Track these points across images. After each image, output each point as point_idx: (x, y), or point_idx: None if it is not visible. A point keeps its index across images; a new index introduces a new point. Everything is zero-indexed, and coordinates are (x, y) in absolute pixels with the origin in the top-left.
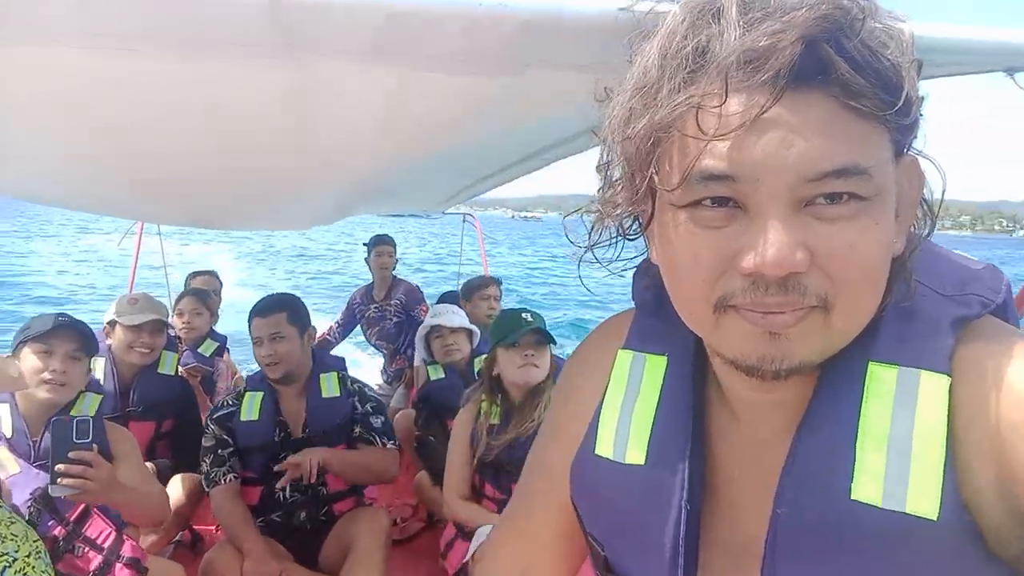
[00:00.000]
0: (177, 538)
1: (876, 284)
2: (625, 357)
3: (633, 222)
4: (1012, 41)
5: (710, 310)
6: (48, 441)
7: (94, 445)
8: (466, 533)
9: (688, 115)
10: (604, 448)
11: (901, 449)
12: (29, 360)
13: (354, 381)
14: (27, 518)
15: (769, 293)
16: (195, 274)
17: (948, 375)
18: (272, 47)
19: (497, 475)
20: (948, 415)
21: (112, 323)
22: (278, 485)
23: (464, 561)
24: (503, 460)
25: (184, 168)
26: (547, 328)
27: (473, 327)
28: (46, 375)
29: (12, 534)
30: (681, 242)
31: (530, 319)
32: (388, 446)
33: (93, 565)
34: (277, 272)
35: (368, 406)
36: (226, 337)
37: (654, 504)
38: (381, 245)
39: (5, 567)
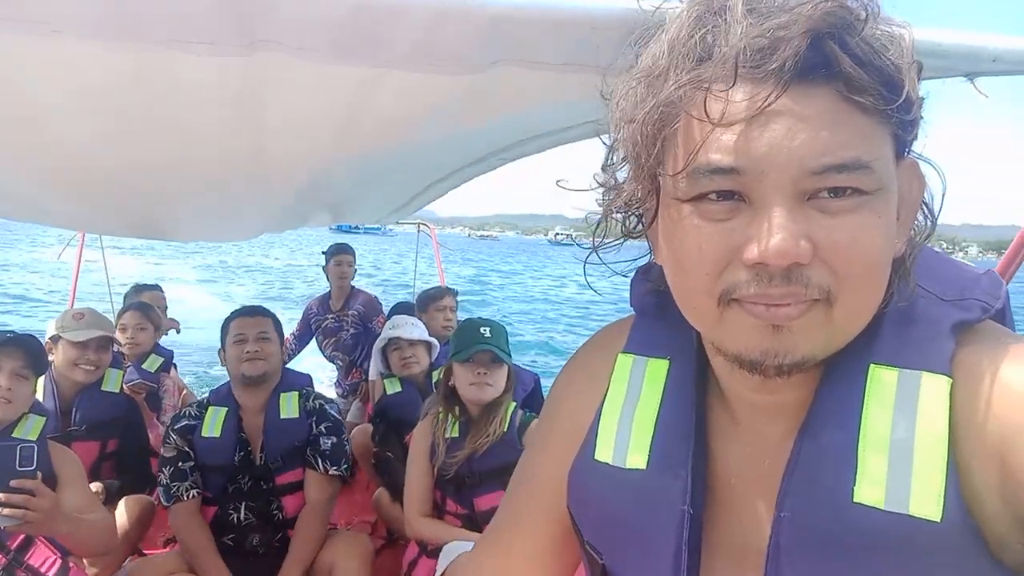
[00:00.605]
0: (125, 563)
1: (877, 279)
2: (626, 361)
3: (637, 223)
4: (973, 44)
5: (714, 304)
6: None
7: (38, 472)
8: (430, 551)
9: (694, 101)
10: (604, 453)
11: (903, 451)
12: None
13: (316, 398)
14: None
15: (773, 284)
16: (139, 288)
17: (949, 377)
18: (223, 41)
19: (459, 490)
20: (949, 417)
21: (55, 338)
22: None
23: None
24: (464, 474)
25: (124, 171)
26: (508, 342)
27: (432, 339)
28: None
29: None
30: (686, 236)
31: (488, 334)
32: (331, 472)
33: None
34: (232, 287)
35: (323, 426)
36: (172, 352)
37: (656, 509)
38: (340, 254)
39: None
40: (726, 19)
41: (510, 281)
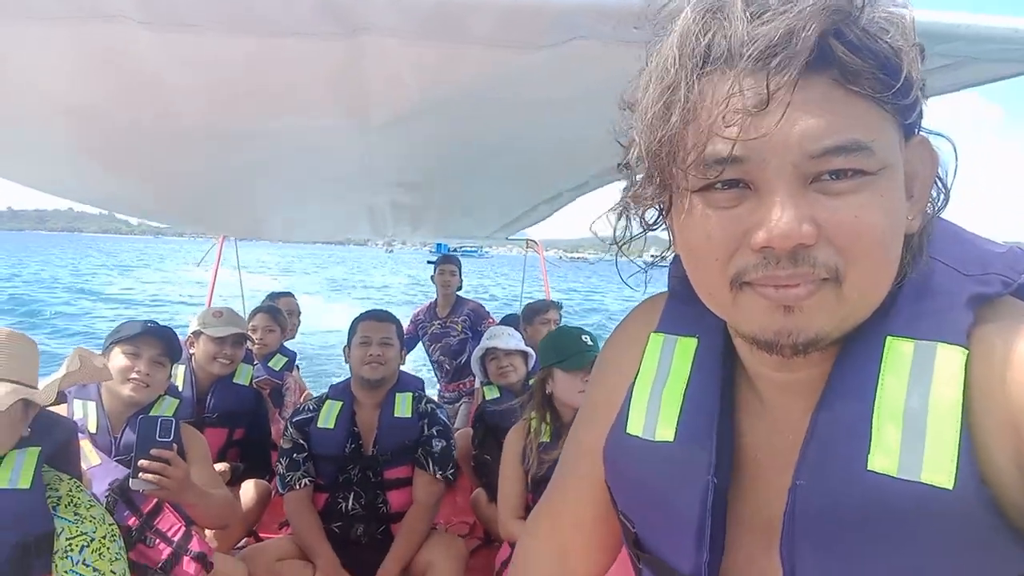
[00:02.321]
0: (242, 543)
1: (885, 255)
2: (657, 340)
3: (657, 217)
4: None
5: (727, 288)
6: (128, 437)
7: (174, 445)
8: None
9: (700, 95)
10: (635, 427)
11: (916, 420)
12: (117, 359)
13: (428, 401)
14: (104, 506)
15: (780, 266)
16: (275, 295)
17: (965, 348)
18: (323, 28)
19: None
20: (964, 388)
21: (196, 333)
22: None
23: None
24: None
25: (235, 171)
26: None
27: (528, 349)
28: (132, 375)
29: (91, 516)
30: (696, 224)
31: (590, 343)
32: (437, 476)
33: (162, 556)
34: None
35: (434, 429)
36: (296, 353)
37: (682, 479)
38: (445, 264)
39: (84, 546)
40: (730, 16)
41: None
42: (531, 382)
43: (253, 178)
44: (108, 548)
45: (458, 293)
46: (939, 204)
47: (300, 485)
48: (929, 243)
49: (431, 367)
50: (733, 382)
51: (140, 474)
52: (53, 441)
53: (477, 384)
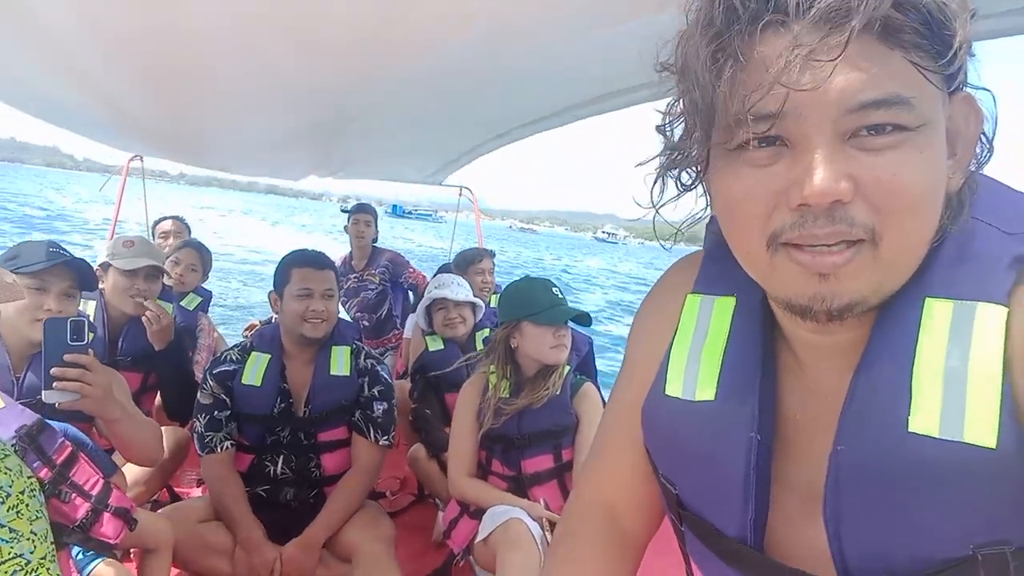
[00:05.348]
0: (155, 498)
1: (924, 215)
2: (694, 301)
3: (694, 179)
4: None
5: (763, 249)
6: (31, 379)
7: (90, 349)
8: (472, 511)
9: (750, 56)
10: (674, 388)
11: (957, 379)
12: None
13: (368, 356)
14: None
15: (817, 224)
16: (162, 219)
17: (1006, 306)
18: None
19: (507, 451)
20: (1006, 346)
21: (105, 265)
22: None
23: (473, 538)
24: (512, 435)
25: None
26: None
27: (478, 300)
28: (39, 314)
29: (6, 467)
30: (733, 183)
31: (560, 295)
32: (380, 442)
33: (80, 513)
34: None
35: (375, 390)
36: (211, 293)
37: (725, 437)
38: (359, 213)
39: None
40: None
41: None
42: (485, 335)
43: (176, 88)
44: (27, 505)
45: (375, 244)
46: (983, 159)
47: (221, 448)
48: (971, 202)
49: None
50: (771, 343)
51: (54, 384)
52: None
53: (407, 335)
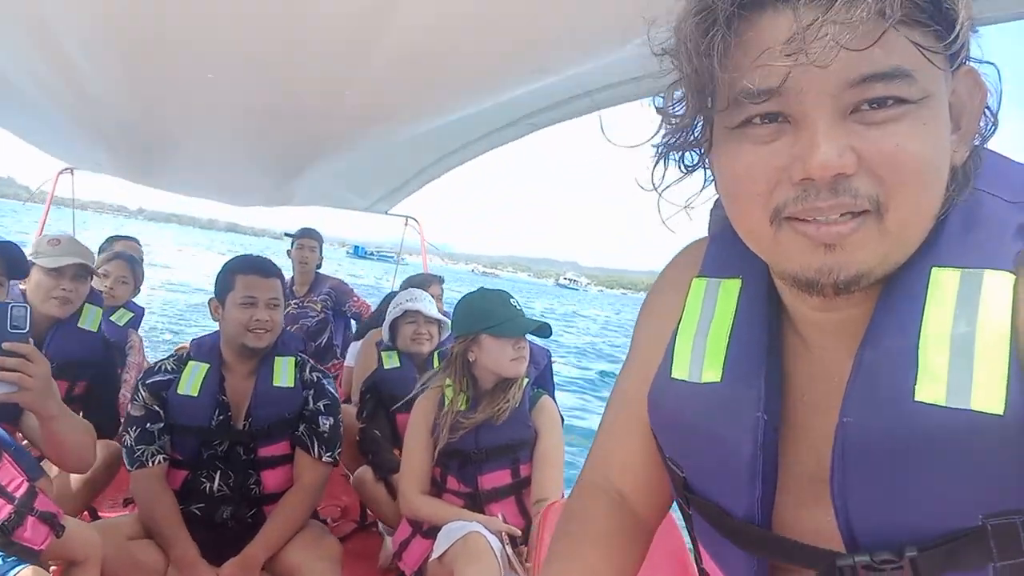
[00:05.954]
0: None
1: (928, 185)
2: (700, 284)
3: (697, 161)
4: None
5: (767, 224)
6: None
7: (30, 338)
8: (425, 531)
9: (745, 32)
10: (680, 371)
11: (964, 347)
12: None
13: (313, 369)
14: None
15: (820, 197)
16: (114, 239)
17: (1013, 272)
18: None
19: (463, 466)
20: (1013, 313)
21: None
22: None
23: (427, 559)
24: (469, 449)
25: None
26: None
27: (445, 319)
28: None
29: None
30: (736, 161)
31: (518, 307)
32: (324, 459)
33: (2, 514)
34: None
35: (321, 404)
36: (143, 310)
37: (731, 418)
38: (304, 238)
39: None
40: None
41: None
42: (442, 350)
43: (150, 77)
44: None
45: (318, 271)
46: (987, 133)
47: (153, 463)
48: (975, 174)
49: None
50: (777, 325)
51: None
52: None
53: (351, 363)
